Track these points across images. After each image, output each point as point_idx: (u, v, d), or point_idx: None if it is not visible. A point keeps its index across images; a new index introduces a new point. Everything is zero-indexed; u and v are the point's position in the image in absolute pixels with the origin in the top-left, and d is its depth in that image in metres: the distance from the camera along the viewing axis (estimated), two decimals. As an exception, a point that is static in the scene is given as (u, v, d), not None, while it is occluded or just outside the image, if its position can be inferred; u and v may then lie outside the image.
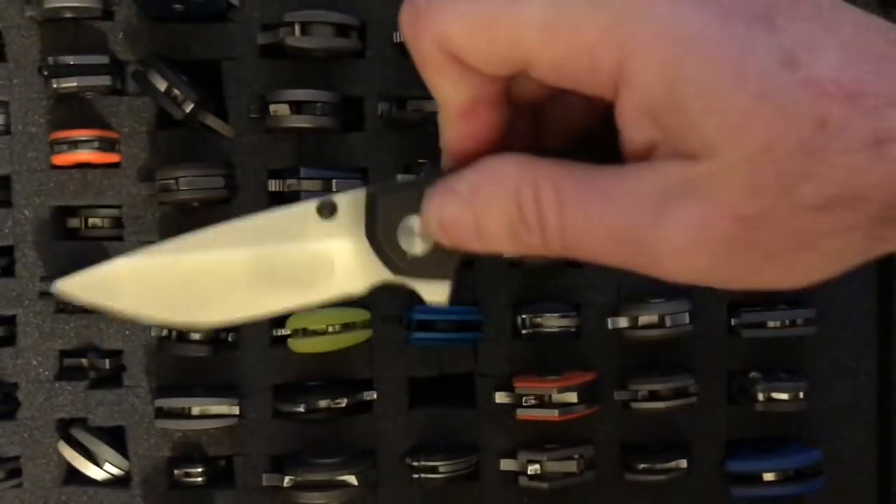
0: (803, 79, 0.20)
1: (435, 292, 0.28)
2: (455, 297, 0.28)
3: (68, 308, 0.48)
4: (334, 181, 0.47)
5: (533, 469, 0.46)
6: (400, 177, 0.48)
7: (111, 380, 0.49)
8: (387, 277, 0.28)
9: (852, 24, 0.21)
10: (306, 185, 0.47)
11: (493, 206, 0.24)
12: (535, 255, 0.29)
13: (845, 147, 0.20)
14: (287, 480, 0.46)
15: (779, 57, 0.20)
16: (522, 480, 0.47)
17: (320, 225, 0.28)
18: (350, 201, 0.28)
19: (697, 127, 0.21)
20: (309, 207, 0.28)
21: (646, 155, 0.22)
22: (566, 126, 0.27)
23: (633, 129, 0.22)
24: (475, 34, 0.23)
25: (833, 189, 0.20)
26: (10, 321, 0.48)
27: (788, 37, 0.20)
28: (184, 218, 0.48)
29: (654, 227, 0.22)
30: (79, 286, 0.28)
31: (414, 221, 0.27)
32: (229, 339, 0.48)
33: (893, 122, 0.20)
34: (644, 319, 0.46)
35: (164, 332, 0.47)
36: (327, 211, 0.28)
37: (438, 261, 0.27)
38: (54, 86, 0.46)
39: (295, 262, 0.28)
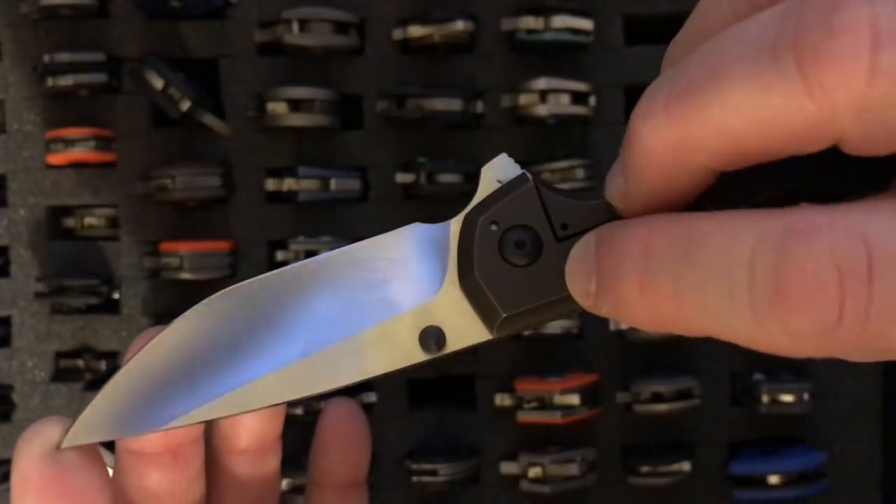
0: None
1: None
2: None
3: (64, 309, 0.48)
4: (333, 180, 0.46)
5: (534, 472, 0.46)
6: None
7: (107, 381, 0.48)
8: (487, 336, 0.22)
9: None
10: (304, 184, 0.46)
11: None
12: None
13: None
14: (286, 483, 0.45)
15: None
16: (523, 484, 0.46)
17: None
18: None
19: None
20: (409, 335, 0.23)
21: None
22: None
23: None
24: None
25: None
26: (5, 322, 0.48)
27: None
28: (180, 218, 0.48)
29: None
30: (87, 429, 0.23)
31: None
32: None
33: None
34: (647, 320, 0.46)
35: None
36: (434, 346, 0.22)
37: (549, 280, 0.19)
38: (49, 83, 0.46)
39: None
